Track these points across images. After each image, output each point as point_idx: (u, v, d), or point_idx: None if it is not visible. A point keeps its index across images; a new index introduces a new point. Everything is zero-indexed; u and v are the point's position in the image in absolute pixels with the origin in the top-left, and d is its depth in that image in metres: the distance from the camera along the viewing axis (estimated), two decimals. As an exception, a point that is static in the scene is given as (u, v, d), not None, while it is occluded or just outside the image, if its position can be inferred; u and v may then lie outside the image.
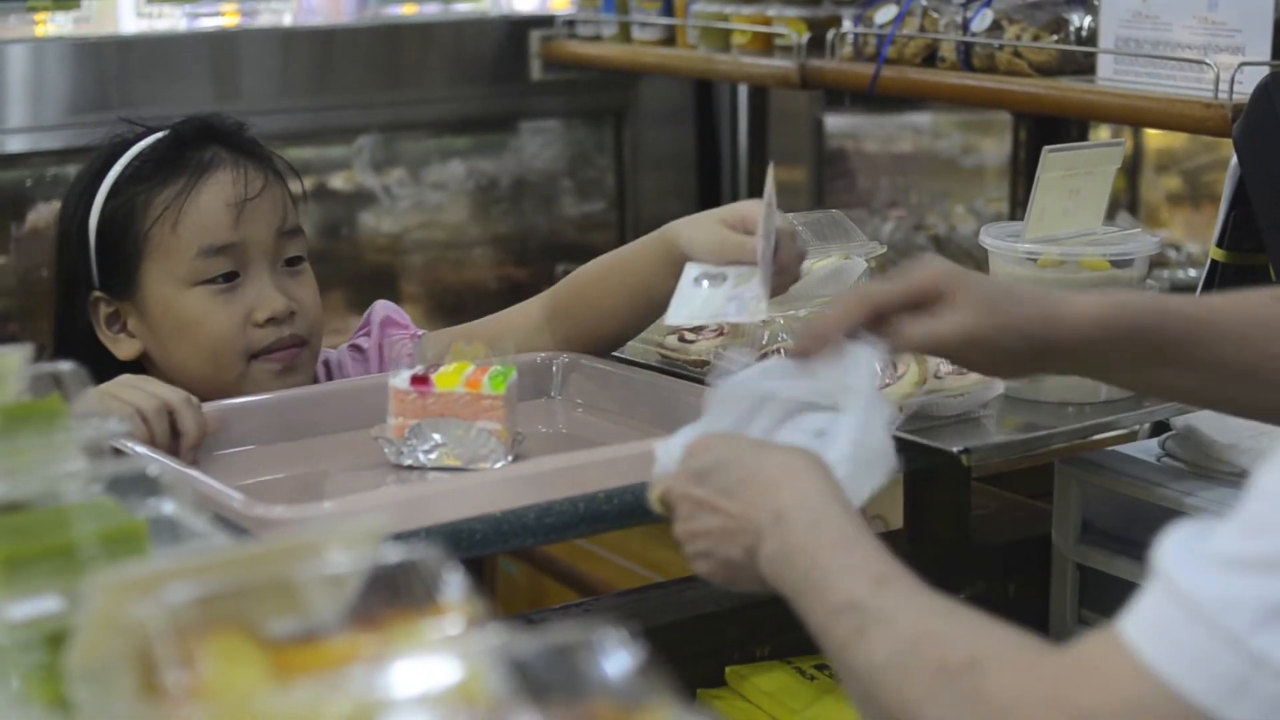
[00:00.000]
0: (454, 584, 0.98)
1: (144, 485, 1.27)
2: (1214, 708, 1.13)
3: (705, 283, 1.87)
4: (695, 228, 1.94)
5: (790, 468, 1.49)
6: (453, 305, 4.15)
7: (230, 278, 2.08)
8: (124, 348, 2.13)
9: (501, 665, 0.89)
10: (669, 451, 1.59)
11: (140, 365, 2.12)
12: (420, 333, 2.24)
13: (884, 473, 1.57)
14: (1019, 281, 2.05)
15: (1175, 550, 1.18)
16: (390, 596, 0.98)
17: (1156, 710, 1.16)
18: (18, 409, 1.28)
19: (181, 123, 2.16)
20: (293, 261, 2.14)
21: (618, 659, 0.90)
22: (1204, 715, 1.14)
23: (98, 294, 2.13)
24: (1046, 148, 2.05)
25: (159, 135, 2.14)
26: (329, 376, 2.23)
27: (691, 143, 4.34)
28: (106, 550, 1.13)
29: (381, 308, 2.27)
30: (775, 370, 1.63)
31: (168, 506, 1.23)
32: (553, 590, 3.49)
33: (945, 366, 1.92)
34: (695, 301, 1.86)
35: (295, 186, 2.21)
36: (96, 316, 2.13)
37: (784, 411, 1.60)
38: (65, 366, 1.38)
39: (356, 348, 2.25)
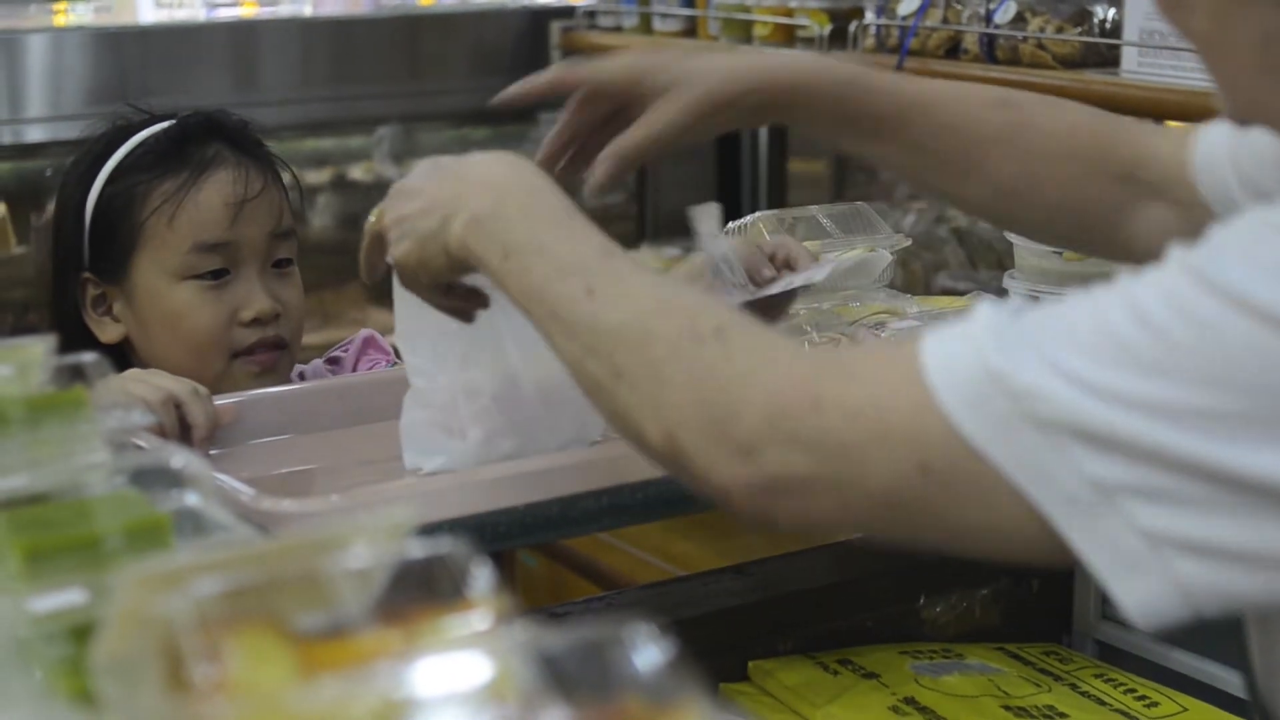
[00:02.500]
0: (482, 578, 0.97)
1: (167, 478, 1.26)
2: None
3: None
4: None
5: (501, 156, 1.52)
6: (472, 296, 4.15)
7: (219, 274, 2.10)
8: (107, 331, 2.14)
9: (531, 661, 0.88)
10: None
11: (122, 350, 2.13)
12: (397, 363, 2.24)
13: None
14: (1043, 274, 2.05)
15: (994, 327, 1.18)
16: (417, 591, 0.98)
17: (914, 420, 1.17)
18: (40, 400, 1.27)
19: (187, 116, 2.18)
20: (282, 264, 2.16)
21: (648, 655, 0.89)
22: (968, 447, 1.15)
23: (86, 275, 2.14)
24: (1073, 140, 2.04)
25: (163, 125, 2.16)
26: None
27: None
28: (130, 543, 1.13)
29: (366, 332, 2.31)
30: None
31: (191, 499, 1.23)
32: (572, 583, 3.49)
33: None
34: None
35: (294, 188, 2.25)
36: (83, 297, 2.14)
37: None
38: (89, 358, 1.38)
39: (333, 360, 2.28)
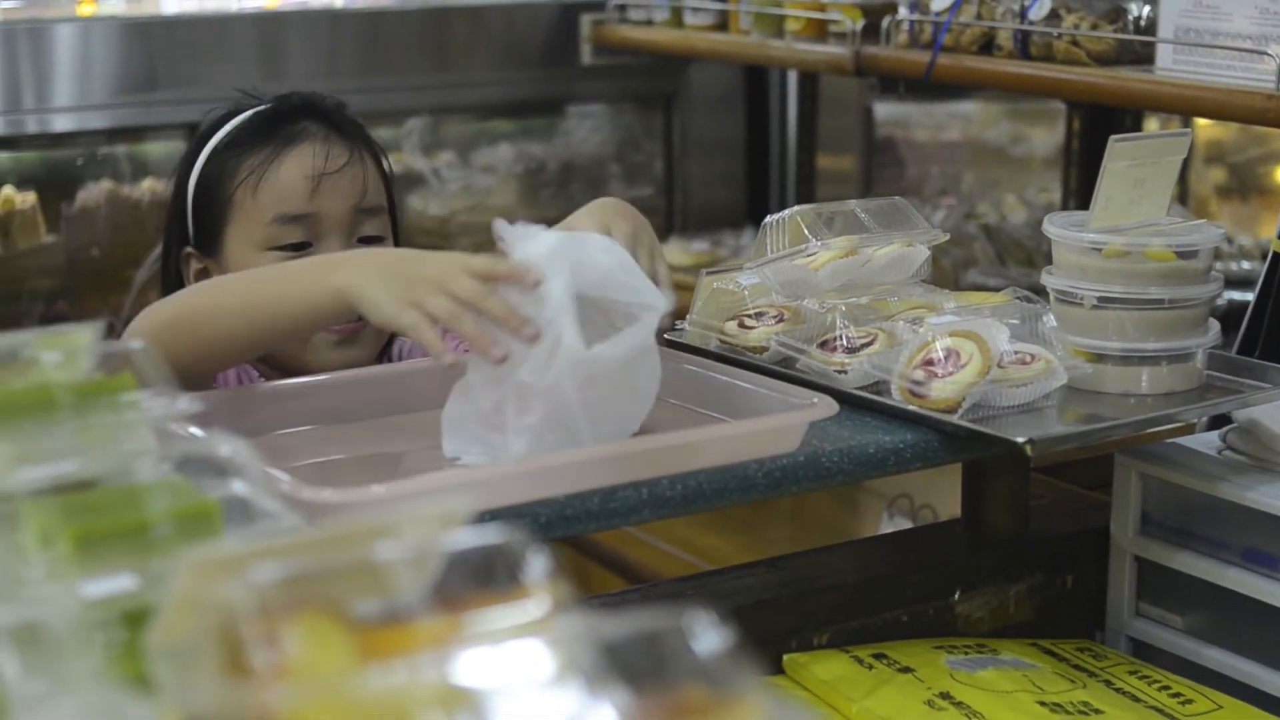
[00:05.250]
0: (538, 566, 0.97)
1: (214, 465, 1.27)
2: None
3: None
4: None
5: None
6: (500, 289, 4.14)
7: (302, 246, 2.15)
8: None
9: (590, 649, 0.88)
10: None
11: None
12: None
13: None
14: (1083, 271, 2.04)
15: None
16: (472, 579, 0.98)
17: None
18: (89, 387, 1.28)
19: (283, 96, 2.26)
20: (370, 240, 2.20)
21: (708, 643, 0.89)
22: None
23: (189, 250, 2.23)
24: (1113, 137, 2.04)
25: (261, 107, 2.24)
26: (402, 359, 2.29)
27: (740, 129, 4.33)
28: (180, 529, 1.13)
29: None
30: None
31: (238, 486, 1.23)
32: (598, 576, 3.48)
33: (1008, 357, 1.90)
34: None
35: (387, 167, 2.31)
36: (187, 271, 2.23)
37: None
38: (135, 345, 1.38)
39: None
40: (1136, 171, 2.05)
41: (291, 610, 0.91)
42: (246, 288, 1.91)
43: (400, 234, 2.31)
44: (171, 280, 2.25)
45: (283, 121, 2.20)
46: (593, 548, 3.54)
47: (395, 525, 0.99)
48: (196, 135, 2.27)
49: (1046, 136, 4.48)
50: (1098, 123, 3.89)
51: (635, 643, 0.90)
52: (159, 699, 0.96)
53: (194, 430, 1.59)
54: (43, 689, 0.99)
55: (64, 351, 1.32)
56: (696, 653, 0.89)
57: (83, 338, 1.34)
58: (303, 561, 0.94)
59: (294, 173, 2.15)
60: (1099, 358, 2.02)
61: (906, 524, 3.36)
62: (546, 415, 1.70)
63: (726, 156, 4.31)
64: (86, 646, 1.05)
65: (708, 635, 0.90)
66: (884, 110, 4.41)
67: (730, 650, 0.89)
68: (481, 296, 1.70)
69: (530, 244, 1.72)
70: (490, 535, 0.99)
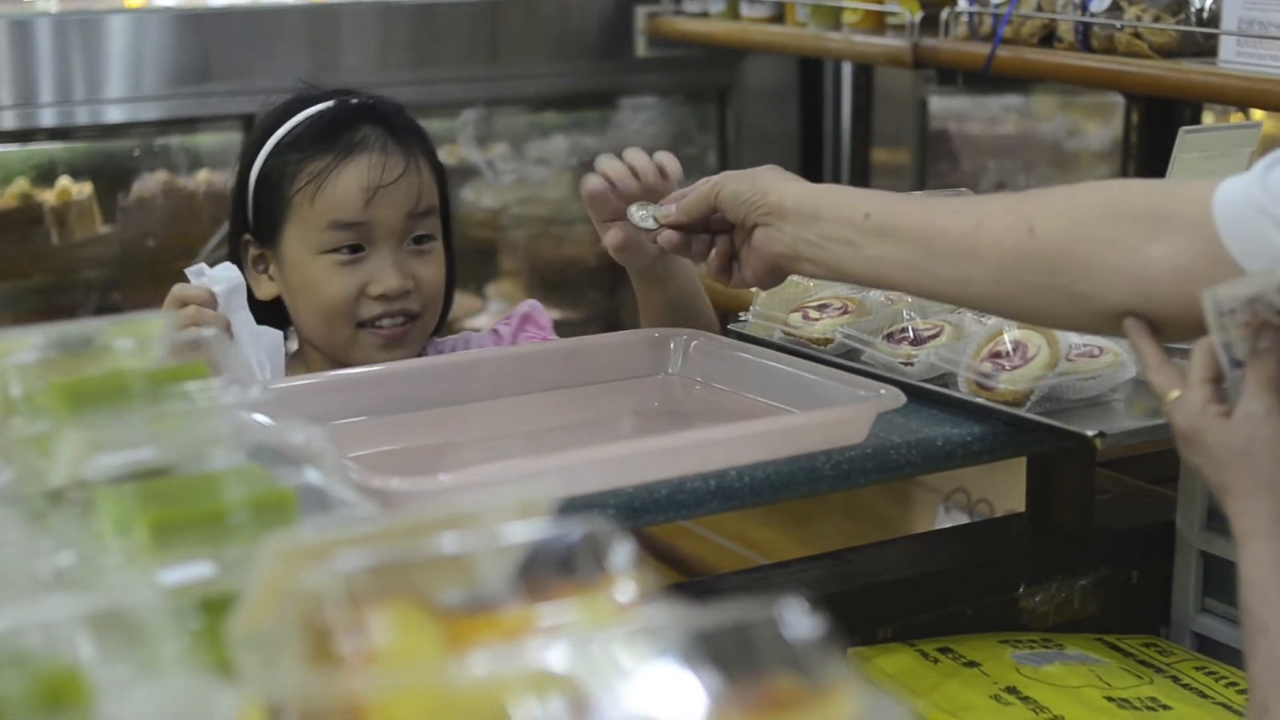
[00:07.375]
0: (623, 555, 0.96)
1: (286, 453, 1.26)
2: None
3: None
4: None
5: None
6: (554, 281, 4.15)
7: (355, 249, 2.21)
8: (264, 288, 2.28)
9: (681, 637, 0.87)
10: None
11: (278, 306, 2.27)
12: (552, 338, 2.33)
13: None
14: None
15: None
16: (555, 567, 0.97)
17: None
18: (163, 374, 1.27)
19: (345, 98, 2.29)
20: (421, 240, 2.24)
21: (799, 633, 0.89)
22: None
23: (248, 237, 2.28)
24: (1183, 129, 2.02)
25: (323, 106, 2.26)
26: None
27: (795, 122, 4.31)
28: (256, 517, 1.12)
29: (529, 305, 2.39)
30: None
31: (311, 475, 1.22)
32: (651, 569, 3.47)
33: (1076, 350, 1.89)
34: None
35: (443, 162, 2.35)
36: (245, 255, 2.28)
37: None
38: (208, 333, 1.38)
39: (495, 332, 2.37)
40: (1207, 163, 2.03)
41: (378, 598, 0.91)
42: None
43: (452, 223, 2.34)
44: (235, 260, 2.30)
45: (342, 128, 2.23)
46: (644, 540, 3.51)
47: (477, 514, 0.99)
48: (259, 126, 2.29)
49: (1103, 130, 4.45)
50: (1156, 116, 3.86)
51: (725, 632, 0.89)
52: (242, 686, 0.96)
53: (263, 418, 1.59)
54: (124, 675, 0.99)
55: (137, 339, 1.32)
56: (788, 642, 0.88)
57: (156, 325, 1.34)
58: (387, 550, 0.94)
59: (351, 184, 2.19)
60: (1167, 351, 2.00)
61: (963, 518, 3.35)
62: None
63: (780, 149, 4.29)
64: (165, 633, 1.04)
65: (799, 625, 0.89)
66: (938, 103, 4.39)
67: (822, 640, 0.89)
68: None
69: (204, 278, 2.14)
70: (575, 524, 0.98)
